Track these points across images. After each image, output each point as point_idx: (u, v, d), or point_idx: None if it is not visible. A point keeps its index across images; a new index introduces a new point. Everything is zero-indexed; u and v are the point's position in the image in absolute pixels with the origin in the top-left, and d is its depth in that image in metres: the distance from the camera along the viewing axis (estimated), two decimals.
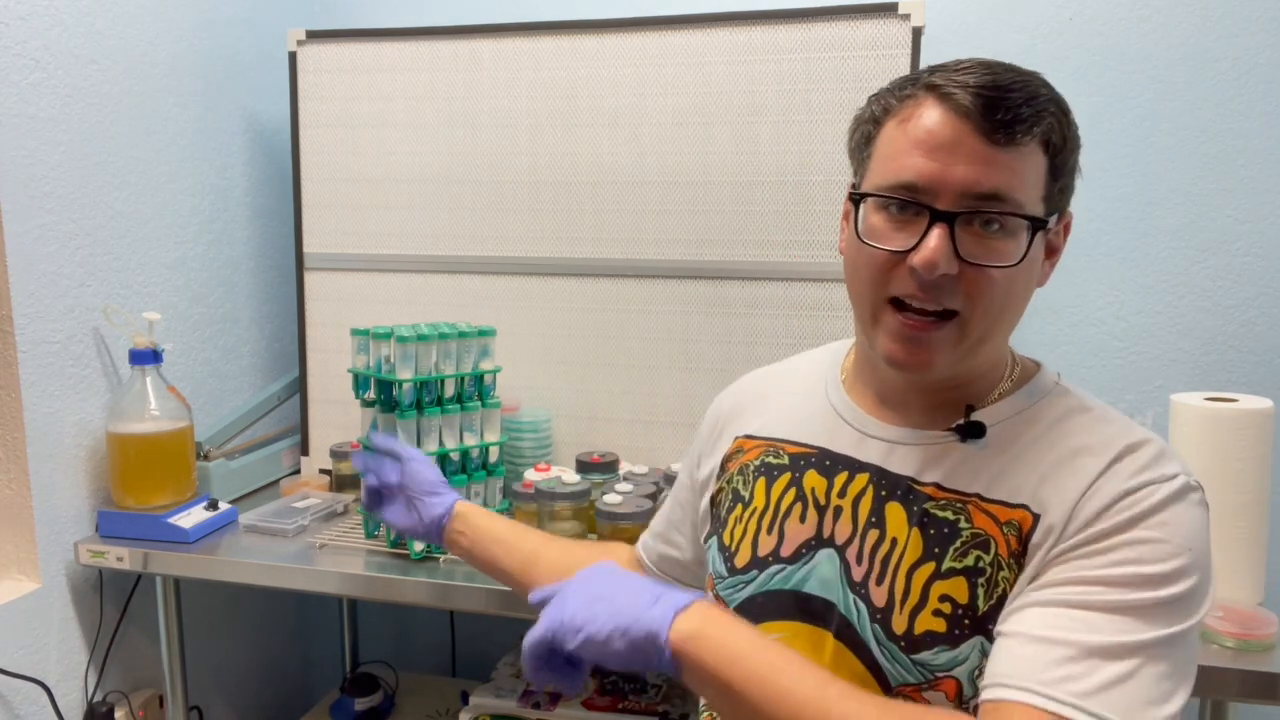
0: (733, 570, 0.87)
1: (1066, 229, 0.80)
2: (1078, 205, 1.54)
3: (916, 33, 1.41)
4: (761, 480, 0.89)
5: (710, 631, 0.70)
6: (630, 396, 1.61)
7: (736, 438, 0.94)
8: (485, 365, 1.45)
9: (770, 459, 0.89)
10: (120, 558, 1.40)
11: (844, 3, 1.44)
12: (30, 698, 1.36)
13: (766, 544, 0.85)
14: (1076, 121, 0.76)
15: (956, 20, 1.63)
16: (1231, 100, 1.53)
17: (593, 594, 0.74)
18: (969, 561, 0.74)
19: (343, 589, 1.37)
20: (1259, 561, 1.20)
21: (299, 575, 1.36)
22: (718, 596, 0.89)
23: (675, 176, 1.54)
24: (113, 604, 1.51)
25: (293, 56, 1.68)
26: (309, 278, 1.73)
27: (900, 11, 1.41)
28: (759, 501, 0.88)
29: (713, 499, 0.95)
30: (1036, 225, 0.73)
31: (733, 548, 0.88)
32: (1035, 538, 0.73)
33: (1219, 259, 1.56)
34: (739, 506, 0.90)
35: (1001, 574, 0.73)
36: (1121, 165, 1.58)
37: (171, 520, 1.42)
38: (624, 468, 1.52)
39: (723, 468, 0.95)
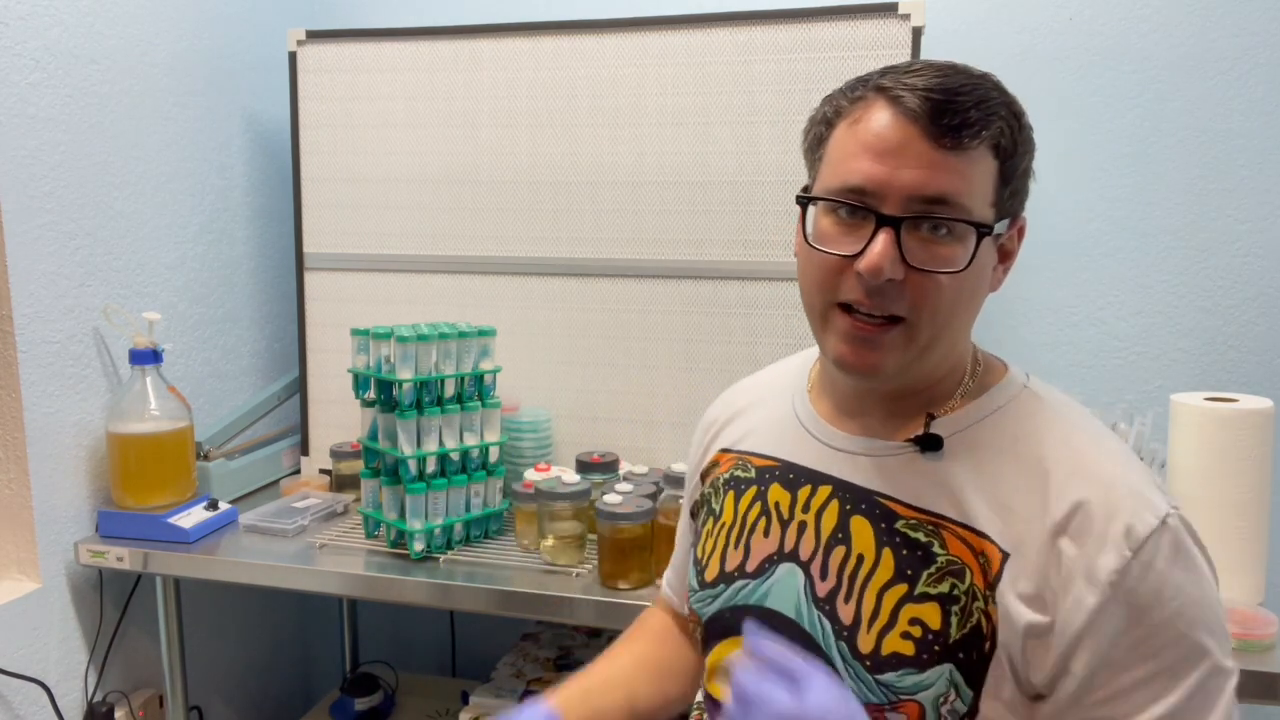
0: (703, 584, 0.88)
1: (1020, 233, 0.79)
2: (1078, 205, 1.55)
3: (916, 33, 1.41)
4: (730, 494, 0.89)
5: None
6: (630, 396, 1.61)
7: (717, 451, 0.94)
8: (485, 365, 1.45)
9: (739, 472, 0.89)
10: (120, 558, 1.40)
11: (844, 3, 1.44)
12: (30, 698, 1.36)
13: (733, 559, 0.85)
14: (1031, 125, 0.75)
15: (956, 20, 1.63)
16: (1231, 100, 1.53)
17: None
18: (944, 588, 0.73)
19: (343, 589, 1.37)
20: (1259, 561, 1.20)
21: (299, 575, 1.36)
22: (691, 610, 0.89)
23: (675, 176, 1.54)
24: (113, 604, 1.51)
25: (293, 56, 1.68)
26: (309, 278, 1.73)
27: (900, 11, 1.41)
28: (727, 516, 0.88)
29: (693, 512, 0.96)
30: (983, 231, 0.71)
31: (704, 561, 0.89)
32: (1004, 582, 0.71)
33: (1219, 259, 1.56)
34: (710, 520, 0.90)
35: (976, 604, 0.72)
36: (1122, 165, 1.58)
37: (171, 520, 1.42)
38: (624, 468, 1.52)
39: (702, 481, 0.95)
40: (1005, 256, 0.78)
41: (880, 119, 0.71)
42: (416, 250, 1.68)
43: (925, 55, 1.43)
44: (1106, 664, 0.68)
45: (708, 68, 1.51)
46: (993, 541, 0.73)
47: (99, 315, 1.47)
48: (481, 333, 1.44)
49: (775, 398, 0.92)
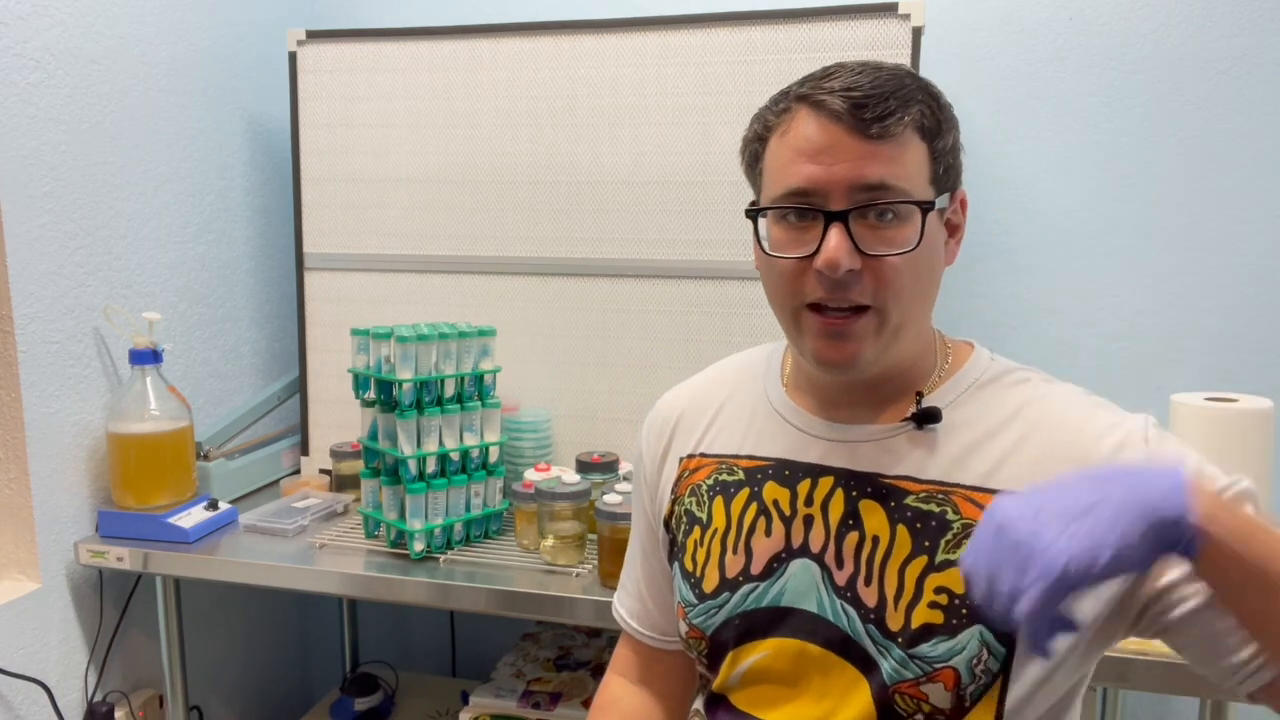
0: (702, 596, 0.86)
1: (963, 206, 0.82)
2: (1079, 204, 1.55)
3: (916, 33, 1.41)
4: (718, 499, 0.88)
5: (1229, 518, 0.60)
6: (630, 396, 1.60)
7: (681, 459, 0.93)
8: (485, 365, 1.45)
9: (724, 476, 0.88)
10: (120, 558, 1.40)
11: (844, 3, 1.44)
12: (30, 698, 1.36)
13: (734, 564, 0.85)
14: (950, 103, 0.79)
15: (956, 20, 1.63)
16: (1231, 100, 1.53)
17: (1076, 510, 0.59)
18: (963, 551, 0.74)
19: (343, 589, 1.37)
20: None
21: (299, 575, 1.36)
22: (691, 625, 0.87)
23: (675, 176, 1.54)
24: (113, 604, 1.51)
25: (293, 56, 1.68)
26: (309, 278, 1.73)
27: (900, 11, 1.41)
28: (719, 521, 0.87)
29: (666, 523, 0.94)
30: (925, 208, 0.75)
31: (697, 573, 0.87)
32: None
33: (1219, 259, 1.56)
34: (697, 529, 0.89)
35: None
36: (1122, 165, 1.58)
37: (171, 520, 1.42)
38: (624, 468, 1.52)
39: (673, 491, 0.93)
40: (953, 230, 0.82)
41: (807, 124, 0.75)
42: (416, 250, 1.68)
43: (924, 55, 1.43)
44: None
45: (708, 68, 1.51)
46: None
47: (99, 315, 1.47)
48: (481, 333, 1.44)
49: (736, 397, 0.92)
